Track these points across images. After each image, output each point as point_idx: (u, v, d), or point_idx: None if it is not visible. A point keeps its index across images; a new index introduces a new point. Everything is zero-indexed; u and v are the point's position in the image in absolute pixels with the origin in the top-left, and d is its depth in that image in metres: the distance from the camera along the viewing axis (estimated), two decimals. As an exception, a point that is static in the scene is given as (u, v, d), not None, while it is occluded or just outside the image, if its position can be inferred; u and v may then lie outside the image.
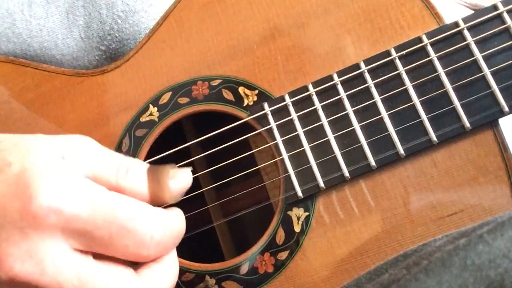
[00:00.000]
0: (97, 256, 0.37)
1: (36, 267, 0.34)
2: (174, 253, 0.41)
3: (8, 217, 0.34)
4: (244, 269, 0.54)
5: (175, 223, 0.40)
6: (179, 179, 0.41)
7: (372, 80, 0.52)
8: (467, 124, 0.49)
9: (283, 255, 0.53)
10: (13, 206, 0.34)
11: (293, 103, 0.54)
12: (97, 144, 0.40)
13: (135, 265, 0.39)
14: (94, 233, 0.36)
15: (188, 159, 0.56)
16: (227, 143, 0.55)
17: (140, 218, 0.37)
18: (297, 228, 0.53)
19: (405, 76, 0.51)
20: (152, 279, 0.38)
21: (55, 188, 0.35)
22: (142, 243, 0.37)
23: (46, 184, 0.35)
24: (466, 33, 0.50)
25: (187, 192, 0.56)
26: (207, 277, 0.55)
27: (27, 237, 0.34)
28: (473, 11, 0.52)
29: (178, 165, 0.55)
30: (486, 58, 0.49)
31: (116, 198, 0.37)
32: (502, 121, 0.49)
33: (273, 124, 0.54)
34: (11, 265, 0.34)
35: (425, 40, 0.51)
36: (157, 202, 0.40)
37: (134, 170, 0.40)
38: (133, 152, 0.58)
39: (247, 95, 0.56)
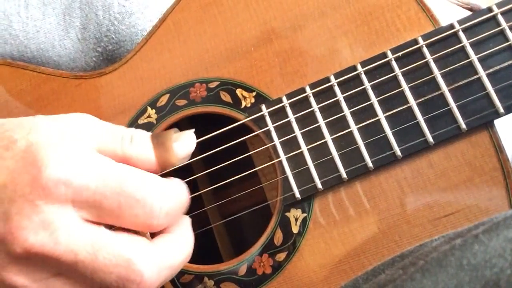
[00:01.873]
0: (110, 227, 0.38)
1: (50, 238, 0.35)
2: (187, 224, 0.41)
3: (19, 191, 0.35)
4: (243, 270, 0.54)
5: (181, 191, 0.40)
6: (183, 140, 0.41)
7: (369, 82, 0.52)
8: (463, 125, 0.49)
9: (281, 256, 0.53)
10: (23, 180, 0.35)
11: (291, 104, 0.54)
12: (96, 119, 0.41)
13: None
14: (103, 203, 0.36)
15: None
16: (225, 145, 0.55)
17: (149, 187, 0.37)
18: (295, 229, 0.53)
19: (401, 78, 0.51)
20: (167, 247, 0.38)
21: (63, 160, 0.35)
22: (151, 213, 0.37)
23: (53, 157, 0.35)
24: (462, 35, 0.50)
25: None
26: (206, 279, 0.55)
27: (38, 209, 0.35)
28: (465, 9, 0.52)
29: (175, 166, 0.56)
30: (481, 60, 0.50)
31: (124, 169, 0.38)
32: (497, 122, 0.50)
33: (270, 126, 0.55)
34: (25, 238, 0.34)
35: (421, 42, 0.51)
36: (164, 166, 0.40)
37: (138, 137, 0.40)
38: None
39: (244, 97, 0.56)
